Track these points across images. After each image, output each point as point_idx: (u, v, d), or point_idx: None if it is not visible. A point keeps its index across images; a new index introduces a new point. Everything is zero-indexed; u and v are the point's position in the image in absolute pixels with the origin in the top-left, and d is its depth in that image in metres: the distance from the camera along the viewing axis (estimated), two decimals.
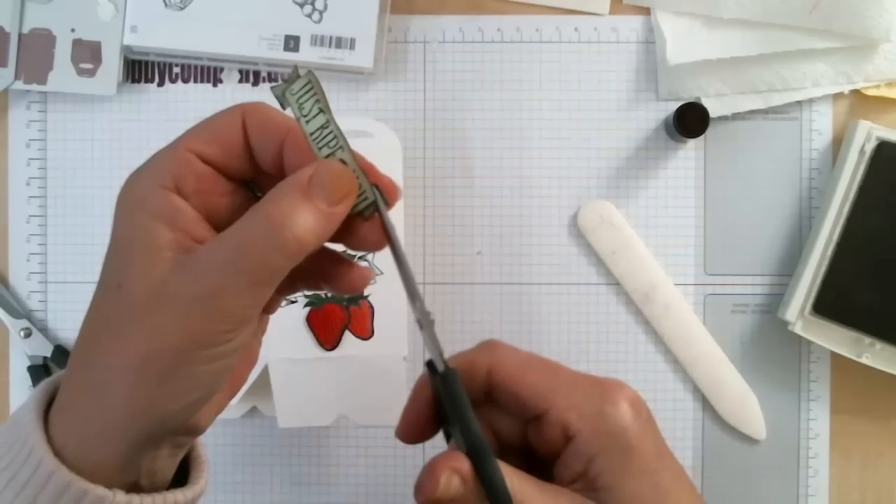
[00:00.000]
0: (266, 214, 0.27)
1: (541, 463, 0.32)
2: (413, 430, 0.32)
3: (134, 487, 0.28)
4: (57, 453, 0.27)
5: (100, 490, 0.27)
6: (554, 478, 0.31)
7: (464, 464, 0.28)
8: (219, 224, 0.29)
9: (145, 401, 0.27)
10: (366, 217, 0.29)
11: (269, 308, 0.33)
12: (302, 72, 0.28)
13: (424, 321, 0.29)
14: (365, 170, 0.29)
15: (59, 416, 0.28)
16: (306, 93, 0.28)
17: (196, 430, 0.31)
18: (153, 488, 0.29)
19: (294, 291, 0.33)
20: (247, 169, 0.30)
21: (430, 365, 0.30)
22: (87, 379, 0.28)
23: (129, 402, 0.27)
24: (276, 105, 0.30)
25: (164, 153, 0.30)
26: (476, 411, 0.29)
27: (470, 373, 0.31)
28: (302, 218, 0.27)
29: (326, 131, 0.28)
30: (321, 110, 0.28)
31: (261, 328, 0.33)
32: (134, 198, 0.29)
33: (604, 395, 0.30)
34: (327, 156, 0.28)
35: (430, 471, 0.28)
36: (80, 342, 0.29)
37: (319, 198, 0.27)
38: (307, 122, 0.28)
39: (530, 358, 0.32)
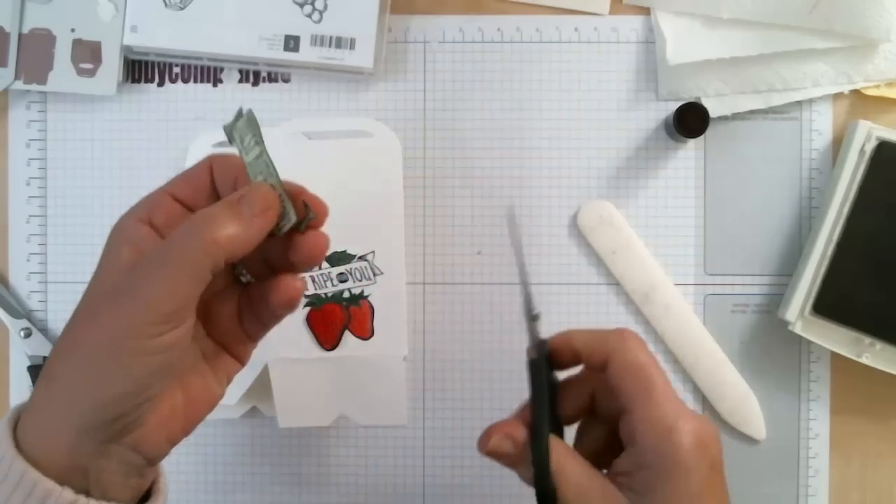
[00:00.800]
0: (195, 217, 0.32)
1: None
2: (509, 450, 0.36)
3: (84, 494, 0.31)
4: (18, 447, 0.31)
5: (49, 484, 0.30)
6: (615, 463, 0.35)
7: (519, 432, 0.35)
8: None
9: (81, 385, 0.30)
10: (301, 231, 0.34)
11: (239, 356, 0.37)
12: (244, 111, 0.34)
13: (530, 316, 0.36)
14: (293, 192, 0.34)
15: (25, 414, 0.32)
16: (247, 129, 0.34)
17: (143, 449, 0.32)
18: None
19: (261, 329, 0.37)
20: (209, 204, 0.34)
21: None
22: (45, 373, 0.32)
23: (68, 386, 0.31)
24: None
25: (148, 195, 0.35)
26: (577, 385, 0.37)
27: (596, 347, 0.36)
28: (225, 223, 0.32)
29: (260, 161, 0.34)
30: (256, 143, 0.34)
31: (223, 372, 0.36)
32: (116, 228, 0.35)
33: (677, 421, 0.33)
34: (261, 181, 0.34)
35: (487, 431, 0.35)
36: (50, 351, 0.34)
37: (244, 210, 0.32)
38: (246, 153, 0.34)
39: (645, 363, 0.35)
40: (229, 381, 0.37)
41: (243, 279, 0.37)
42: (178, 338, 0.31)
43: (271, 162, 0.34)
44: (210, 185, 0.35)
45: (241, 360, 0.37)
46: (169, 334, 0.31)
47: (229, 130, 0.34)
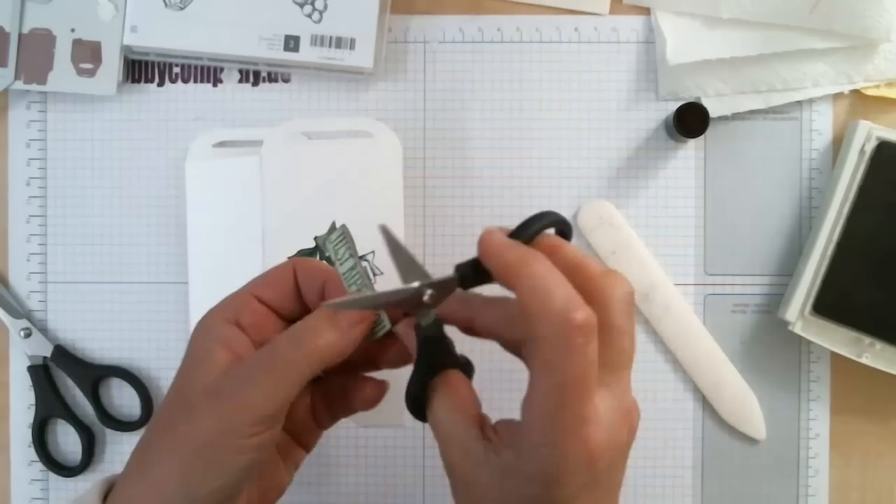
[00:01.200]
0: (296, 326, 0.34)
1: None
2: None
3: None
4: None
5: None
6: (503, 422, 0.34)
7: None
8: None
9: (177, 477, 0.32)
10: (375, 337, 0.36)
11: (307, 444, 0.39)
12: (338, 225, 0.36)
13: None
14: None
15: (118, 488, 0.34)
16: (341, 242, 0.36)
17: None
18: None
19: (332, 421, 0.39)
20: (296, 309, 0.37)
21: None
22: (138, 463, 0.34)
23: (164, 476, 0.32)
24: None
25: (232, 296, 0.37)
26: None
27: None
28: (323, 332, 0.33)
29: (354, 272, 0.35)
30: (351, 255, 0.36)
31: (291, 461, 0.38)
32: (204, 327, 0.36)
33: (568, 434, 0.30)
34: (356, 291, 0.35)
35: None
36: (141, 439, 0.35)
37: (341, 321, 0.34)
38: (340, 264, 0.36)
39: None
40: (297, 468, 0.39)
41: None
42: (271, 438, 0.33)
43: (365, 272, 0.36)
44: (295, 288, 0.37)
45: (309, 449, 0.39)
46: (264, 434, 0.33)
47: (322, 242, 0.36)
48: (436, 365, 0.36)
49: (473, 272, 0.34)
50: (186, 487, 0.32)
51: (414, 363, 0.36)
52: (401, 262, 0.35)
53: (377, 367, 0.38)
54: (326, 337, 0.33)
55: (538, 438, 0.30)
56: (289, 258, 0.38)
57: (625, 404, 0.32)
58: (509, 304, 0.36)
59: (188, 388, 0.34)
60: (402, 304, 0.35)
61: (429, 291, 0.34)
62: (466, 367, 0.37)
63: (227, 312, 0.36)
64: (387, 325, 0.36)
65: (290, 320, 0.36)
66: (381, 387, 0.38)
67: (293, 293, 0.37)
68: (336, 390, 0.38)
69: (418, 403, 0.35)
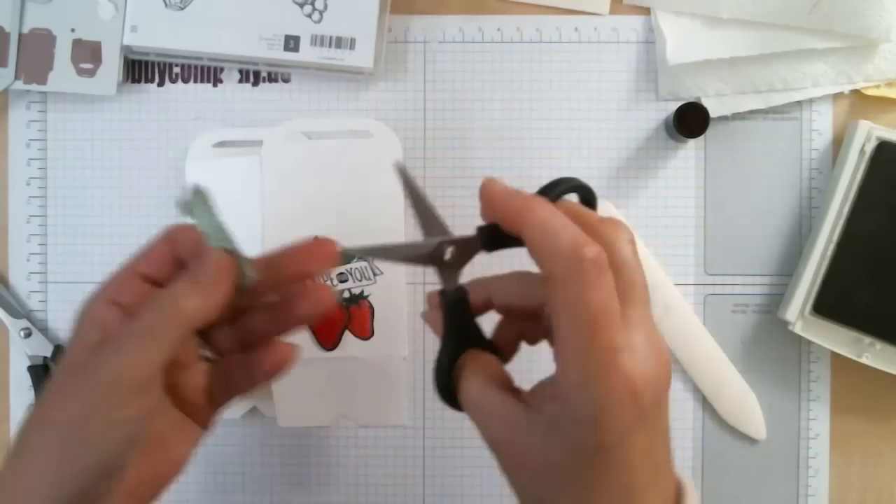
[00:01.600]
0: (159, 292, 0.34)
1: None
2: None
3: None
4: None
5: None
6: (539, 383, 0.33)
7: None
8: None
9: (49, 459, 0.31)
10: (245, 287, 0.35)
11: (204, 422, 0.38)
12: (198, 188, 0.35)
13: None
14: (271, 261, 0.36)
15: None
16: (202, 204, 0.35)
17: None
18: None
19: (227, 399, 0.38)
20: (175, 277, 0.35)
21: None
22: (13, 449, 0.33)
23: (37, 460, 0.32)
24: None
25: (111, 275, 0.36)
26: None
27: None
28: (186, 293, 0.33)
29: (215, 229, 0.35)
30: (212, 215, 0.35)
31: (188, 438, 0.37)
32: (83, 311, 0.35)
33: (608, 369, 0.29)
34: (216, 247, 0.35)
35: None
36: (19, 426, 0.34)
37: (202, 277, 0.34)
38: (201, 223, 0.35)
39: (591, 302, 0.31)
40: (195, 447, 0.38)
41: (207, 354, 0.38)
42: (143, 410, 0.32)
43: (226, 229, 0.36)
44: (171, 257, 0.36)
45: (206, 426, 0.38)
46: (134, 406, 0.32)
47: (184, 205, 0.35)
48: (463, 338, 0.35)
49: (494, 233, 0.34)
50: (60, 466, 0.31)
51: (441, 340, 0.35)
52: (421, 214, 0.35)
53: (298, 322, 0.37)
54: (189, 298, 0.33)
55: (575, 379, 0.29)
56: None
57: (654, 337, 0.31)
58: (521, 274, 0.36)
59: (59, 371, 0.34)
60: (423, 259, 0.34)
61: (450, 248, 0.34)
62: (494, 348, 0.36)
63: (106, 293, 0.35)
64: (252, 275, 0.35)
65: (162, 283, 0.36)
66: (292, 349, 0.37)
67: (171, 262, 0.36)
68: (236, 367, 0.37)
69: (448, 388, 0.34)
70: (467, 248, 0.34)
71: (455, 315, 0.35)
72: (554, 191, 0.34)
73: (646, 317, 0.31)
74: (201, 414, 0.38)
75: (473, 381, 0.33)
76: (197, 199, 0.35)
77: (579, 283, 0.29)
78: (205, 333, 0.38)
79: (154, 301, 0.33)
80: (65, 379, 0.33)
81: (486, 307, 0.37)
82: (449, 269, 0.35)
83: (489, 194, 0.33)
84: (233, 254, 0.35)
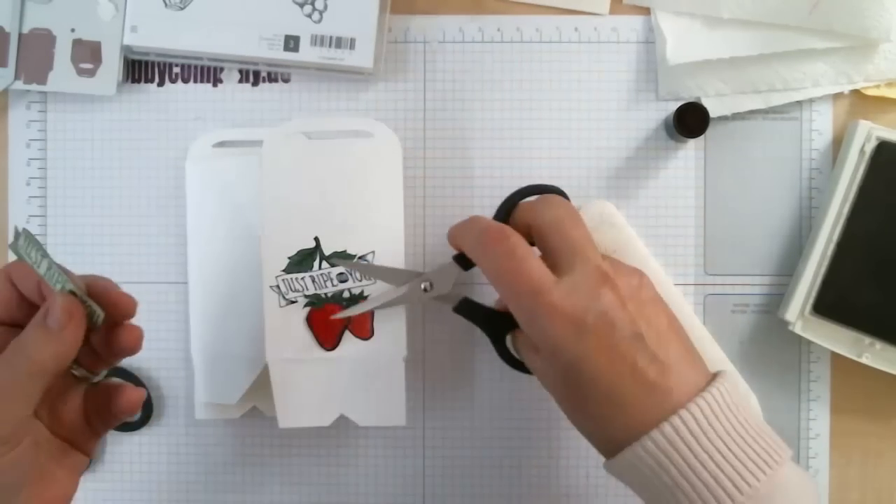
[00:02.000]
0: (12, 346, 0.34)
1: None
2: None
3: None
4: None
5: None
6: None
7: None
8: None
9: None
10: (97, 327, 0.36)
11: (87, 449, 0.38)
12: (21, 230, 0.35)
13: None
14: (100, 289, 0.37)
15: None
16: (29, 246, 0.35)
17: None
18: None
19: (105, 427, 0.39)
20: (25, 314, 0.36)
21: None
22: None
23: None
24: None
25: None
26: None
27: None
28: (39, 342, 0.34)
29: (52, 271, 0.35)
30: (43, 256, 0.35)
31: (72, 468, 0.37)
32: None
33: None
34: (60, 289, 0.35)
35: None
36: None
37: (52, 325, 0.34)
38: (37, 266, 0.35)
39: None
40: (80, 475, 0.38)
41: (77, 373, 0.38)
42: (18, 456, 0.33)
43: (61, 269, 0.36)
44: (16, 296, 0.36)
45: (89, 454, 0.39)
46: (8, 456, 0.33)
47: (15, 250, 0.35)
48: (492, 325, 0.43)
49: (464, 257, 0.43)
50: None
51: (487, 334, 0.44)
52: (384, 274, 0.46)
53: (118, 356, 0.38)
54: (43, 348, 0.33)
55: (525, 326, 0.38)
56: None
57: (590, 274, 0.38)
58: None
59: None
60: (411, 300, 0.45)
61: (425, 283, 0.44)
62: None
63: None
64: (100, 313, 0.36)
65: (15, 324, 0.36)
66: (139, 394, 0.39)
67: (17, 300, 0.36)
68: (102, 399, 0.38)
69: (515, 362, 0.43)
70: (445, 275, 0.44)
71: (475, 317, 0.44)
72: (515, 198, 0.43)
73: (574, 264, 0.38)
74: (83, 441, 0.38)
75: (523, 353, 0.41)
76: (23, 242, 0.35)
77: (483, 249, 0.39)
78: None
79: (7, 356, 0.34)
80: None
81: None
82: (439, 297, 0.44)
83: (450, 235, 0.44)
84: (77, 295, 0.35)
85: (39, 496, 0.35)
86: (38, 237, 0.53)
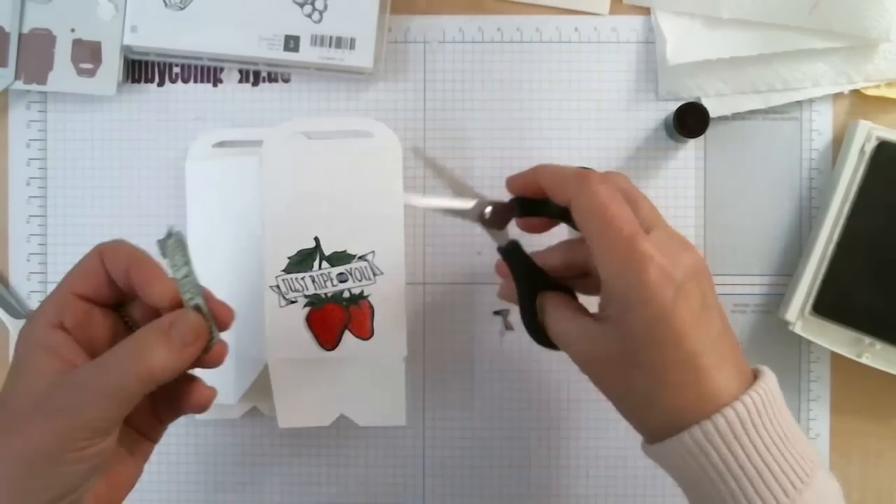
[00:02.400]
0: (130, 344, 0.34)
1: None
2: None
3: None
4: None
5: None
6: (600, 300, 0.38)
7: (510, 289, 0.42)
8: (97, 351, 0.35)
9: (17, 492, 0.32)
10: (209, 350, 0.36)
11: (154, 437, 0.39)
12: (174, 231, 0.36)
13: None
14: (211, 308, 0.37)
15: None
16: (176, 249, 0.36)
17: None
18: None
19: (173, 417, 0.39)
20: (111, 294, 0.37)
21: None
22: None
23: (4, 494, 0.32)
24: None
25: (51, 297, 0.36)
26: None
27: (557, 190, 0.39)
28: (159, 352, 0.34)
29: (188, 280, 0.36)
30: (185, 263, 0.36)
31: (139, 454, 0.38)
32: (27, 334, 0.35)
33: (633, 253, 0.35)
34: (189, 299, 0.36)
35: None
36: None
37: (176, 339, 0.34)
38: (176, 271, 0.36)
39: (601, 203, 0.37)
40: (146, 460, 0.39)
41: None
42: (107, 445, 0.34)
43: (197, 282, 0.36)
44: (106, 276, 0.36)
45: (155, 440, 0.39)
46: (99, 445, 0.33)
47: (161, 247, 0.36)
48: (533, 281, 0.41)
49: (524, 202, 0.42)
50: (25, 498, 0.32)
51: (517, 289, 0.41)
52: (454, 186, 0.43)
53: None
54: (160, 357, 0.34)
55: (613, 272, 0.36)
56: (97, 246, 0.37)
57: (677, 237, 0.37)
58: (564, 241, 0.43)
59: (14, 399, 0.34)
60: (467, 214, 0.43)
61: (489, 209, 0.42)
62: (559, 286, 0.41)
63: (48, 316, 0.35)
64: (218, 337, 0.36)
65: (114, 306, 0.37)
66: (210, 393, 0.39)
67: (106, 281, 0.36)
68: (173, 391, 0.38)
69: (538, 329, 0.40)
70: (504, 212, 0.42)
71: (517, 264, 0.41)
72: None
73: (660, 224, 0.37)
74: (149, 428, 0.38)
75: (556, 316, 0.39)
76: (172, 243, 0.36)
77: (587, 194, 0.37)
78: None
79: (124, 354, 0.34)
80: (27, 410, 0.33)
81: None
82: (492, 229, 0.42)
83: (523, 177, 0.42)
84: (204, 315, 0.36)
85: (108, 479, 0.36)
86: (37, 237, 0.53)
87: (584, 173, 0.38)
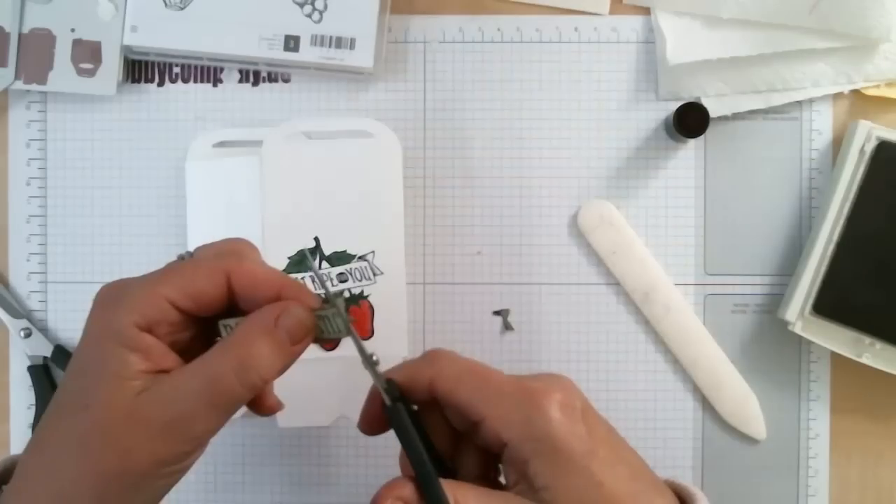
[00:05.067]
0: (236, 353, 0.31)
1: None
2: (371, 427, 0.36)
3: None
4: None
5: None
6: (506, 474, 0.33)
7: (407, 490, 0.32)
8: (182, 350, 0.32)
9: (95, 498, 0.29)
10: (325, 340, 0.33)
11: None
12: (338, 298, 0.32)
13: (370, 362, 0.33)
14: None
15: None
16: (336, 317, 0.33)
17: None
18: None
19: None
20: (221, 308, 0.33)
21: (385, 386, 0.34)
22: (51, 490, 0.30)
23: (81, 497, 0.29)
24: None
25: (141, 293, 0.32)
26: (433, 414, 0.34)
27: (413, 384, 0.33)
28: (266, 357, 0.31)
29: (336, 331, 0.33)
30: (345, 330, 0.33)
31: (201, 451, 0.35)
32: (109, 329, 0.31)
33: (531, 401, 0.32)
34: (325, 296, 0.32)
35: (375, 500, 0.32)
36: (34, 456, 0.31)
37: (283, 338, 0.31)
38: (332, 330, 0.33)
39: (467, 369, 0.33)
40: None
41: None
42: (200, 453, 0.32)
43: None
44: (225, 301, 0.33)
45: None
46: (194, 454, 0.31)
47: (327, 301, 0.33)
48: (434, 459, 0.33)
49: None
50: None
51: (413, 466, 0.33)
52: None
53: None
54: (269, 360, 0.31)
55: (523, 430, 0.32)
56: (216, 259, 0.33)
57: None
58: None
59: (100, 406, 0.30)
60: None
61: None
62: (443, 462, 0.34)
63: (134, 316, 0.31)
64: (347, 330, 0.33)
65: (198, 316, 0.33)
66: (279, 407, 0.37)
67: (223, 305, 0.33)
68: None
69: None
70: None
71: (412, 435, 0.33)
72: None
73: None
74: None
75: (472, 499, 0.32)
76: (335, 314, 0.32)
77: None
78: None
79: (230, 361, 0.30)
80: (118, 420, 0.30)
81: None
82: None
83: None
84: (336, 308, 0.32)
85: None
86: (37, 237, 0.53)
87: (430, 353, 0.33)
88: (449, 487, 0.31)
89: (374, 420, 0.35)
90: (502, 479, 0.34)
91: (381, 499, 0.32)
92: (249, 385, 0.30)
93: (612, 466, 0.32)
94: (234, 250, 0.34)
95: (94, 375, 0.30)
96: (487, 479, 0.35)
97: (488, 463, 0.35)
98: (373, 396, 0.35)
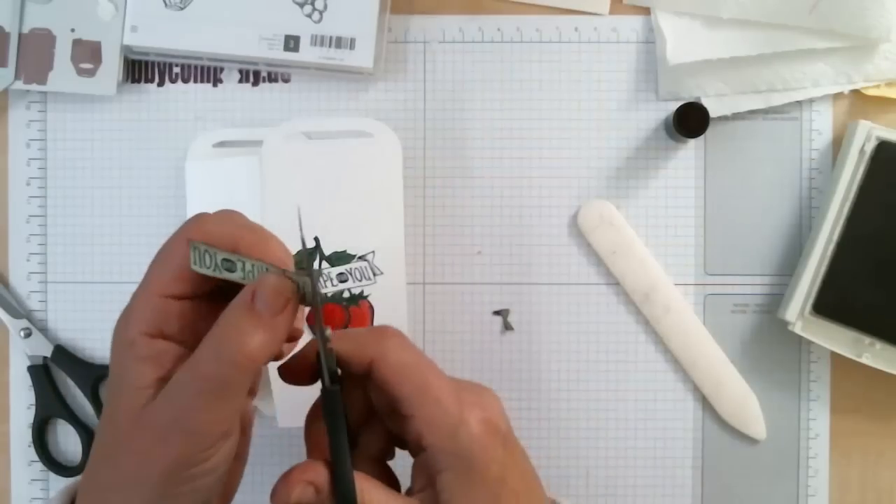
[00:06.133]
0: (218, 337, 0.30)
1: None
2: (290, 378, 0.34)
3: None
4: None
5: None
6: (415, 473, 0.34)
7: (321, 476, 0.31)
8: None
9: None
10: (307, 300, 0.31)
11: (248, 433, 0.35)
12: (192, 244, 0.31)
13: (323, 337, 0.32)
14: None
15: None
16: (202, 257, 0.31)
17: None
18: None
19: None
20: (211, 284, 0.32)
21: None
22: (95, 501, 0.31)
23: None
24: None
25: (138, 301, 0.32)
26: (356, 389, 0.33)
27: (353, 359, 0.33)
28: (245, 332, 0.29)
29: (242, 264, 0.31)
30: (215, 255, 0.31)
31: (242, 447, 0.34)
32: (124, 343, 0.31)
33: (461, 413, 0.32)
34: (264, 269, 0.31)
35: (285, 480, 0.31)
36: (89, 465, 0.32)
37: (263, 311, 0.30)
38: (216, 271, 0.31)
39: (412, 362, 0.33)
40: (250, 442, 0.36)
41: None
42: (231, 447, 0.31)
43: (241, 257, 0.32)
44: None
45: (248, 436, 0.36)
46: (223, 448, 0.30)
47: (195, 268, 0.31)
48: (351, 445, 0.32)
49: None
50: None
51: (331, 452, 0.31)
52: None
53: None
54: (253, 338, 0.29)
55: (445, 438, 0.32)
56: (181, 238, 0.32)
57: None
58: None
59: (119, 416, 0.30)
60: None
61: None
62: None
63: (141, 325, 0.31)
64: (308, 283, 0.31)
65: (210, 295, 0.32)
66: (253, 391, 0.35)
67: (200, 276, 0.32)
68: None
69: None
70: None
71: (339, 423, 0.32)
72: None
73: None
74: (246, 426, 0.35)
75: (379, 499, 0.32)
76: (196, 257, 0.31)
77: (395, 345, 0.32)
78: None
79: (215, 346, 0.29)
80: (132, 430, 0.30)
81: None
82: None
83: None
84: (294, 273, 0.31)
85: (232, 473, 0.34)
86: (37, 237, 0.53)
87: (381, 329, 0.33)
88: (359, 481, 0.31)
89: (297, 375, 0.34)
90: (409, 480, 0.34)
91: (293, 481, 0.31)
92: (228, 362, 0.29)
93: (517, 497, 0.33)
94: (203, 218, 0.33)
95: (116, 389, 0.31)
96: (383, 460, 0.35)
97: (389, 446, 0.35)
98: (306, 354, 0.33)
